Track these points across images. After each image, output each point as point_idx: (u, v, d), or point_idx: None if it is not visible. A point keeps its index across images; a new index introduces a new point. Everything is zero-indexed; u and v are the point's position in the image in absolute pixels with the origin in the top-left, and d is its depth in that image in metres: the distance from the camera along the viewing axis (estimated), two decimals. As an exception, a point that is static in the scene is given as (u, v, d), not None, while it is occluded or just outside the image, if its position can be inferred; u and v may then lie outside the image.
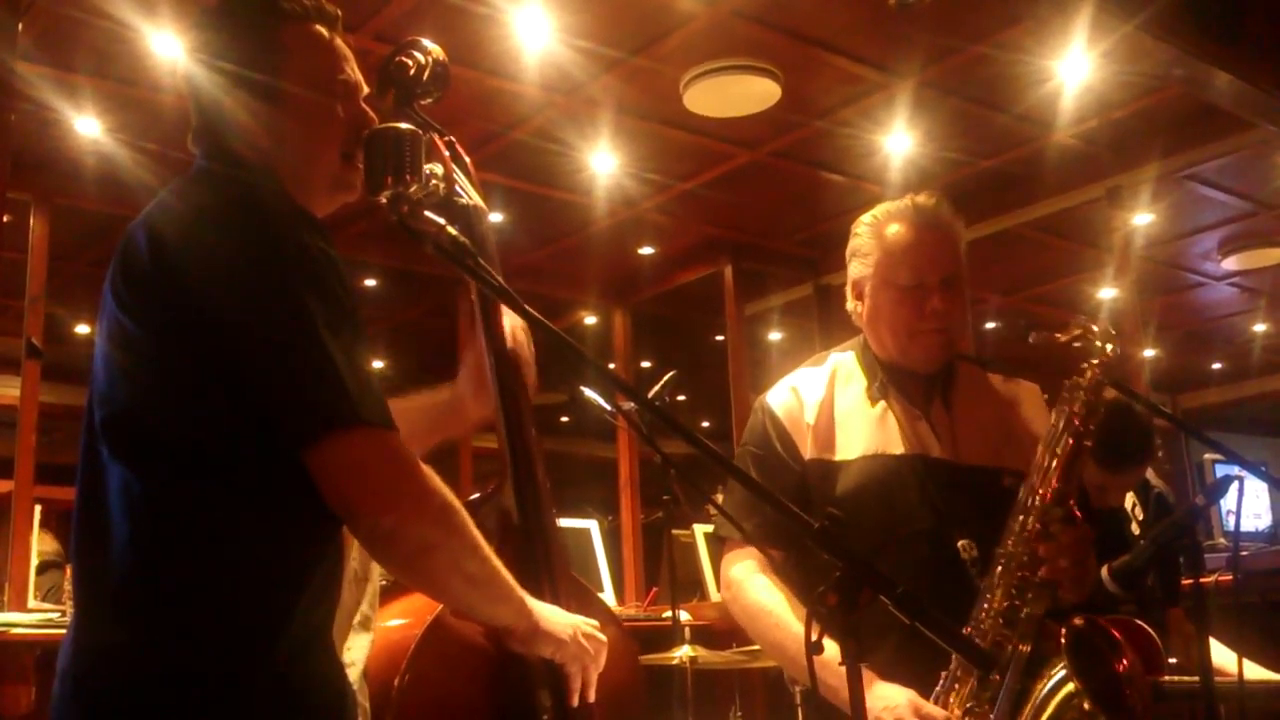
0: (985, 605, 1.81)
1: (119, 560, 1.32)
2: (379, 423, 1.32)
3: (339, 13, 1.56)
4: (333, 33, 1.54)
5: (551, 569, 1.69)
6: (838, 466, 1.98)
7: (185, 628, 1.29)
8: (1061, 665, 1.70)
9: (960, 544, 1.89)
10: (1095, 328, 1.96)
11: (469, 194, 1.84)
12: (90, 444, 1.38)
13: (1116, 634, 1.73)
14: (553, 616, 1.57)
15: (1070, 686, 1.68)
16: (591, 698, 1.60)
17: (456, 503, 1.39)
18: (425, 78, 1.82)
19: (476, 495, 1.75)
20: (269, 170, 1.46)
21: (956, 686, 1.79)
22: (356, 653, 1.63)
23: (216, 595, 1.31)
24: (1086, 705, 1.65)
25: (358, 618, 1.68)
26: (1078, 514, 1.84)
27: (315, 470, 1.29)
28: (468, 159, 1.89)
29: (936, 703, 1.79)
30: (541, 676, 1.59)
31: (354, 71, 1.56)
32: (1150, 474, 3.00)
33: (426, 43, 1.84)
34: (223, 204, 1.38)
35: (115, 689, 1.29)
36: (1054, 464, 1.86)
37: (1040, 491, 1.85)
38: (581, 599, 1.73)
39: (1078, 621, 1.73)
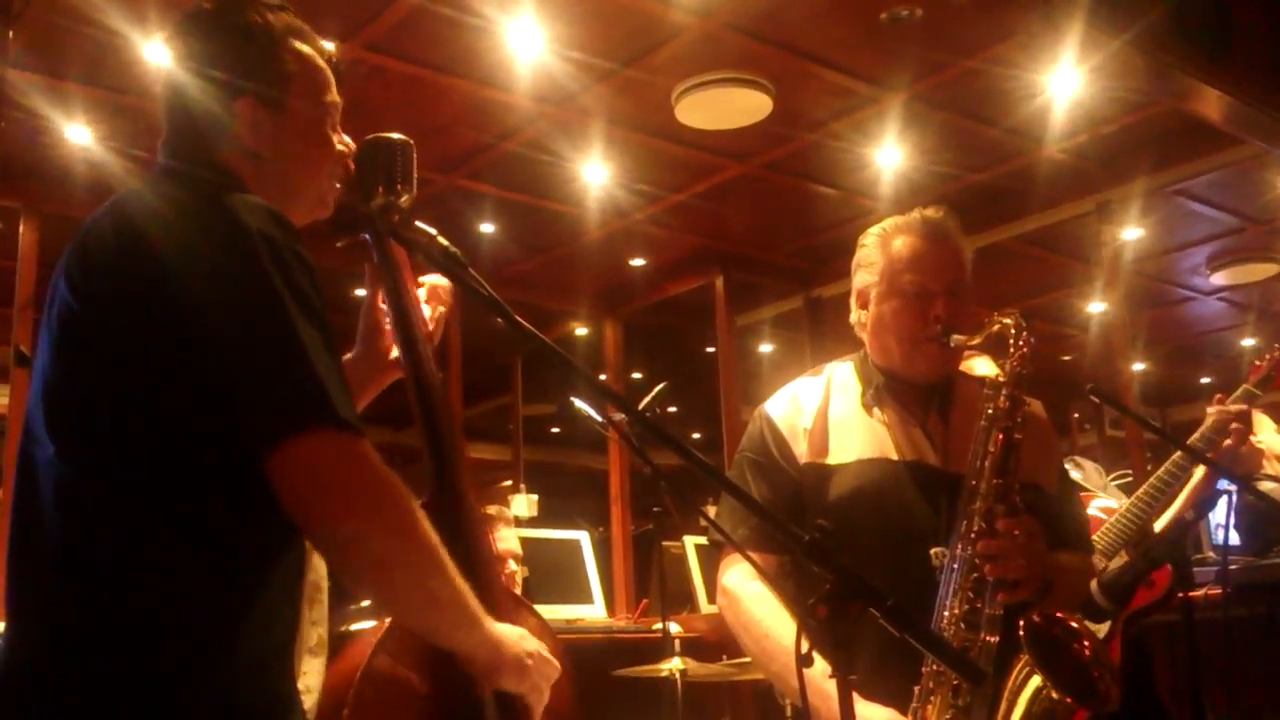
0: (946, 613, 1.81)
1: (53, 571, 1.26)
2: (346, 425, 1.25)
3: (330, 46, 1.56)
4: (324, 57, 1.54)
5: (475, 576, 1.52)
6: (832, 470, 1.98)
7: (125, 648, 1.23)
8: (1024, 661, 1.70)
9: (933, 551, 1.89)
10: (1008, 320, 2.00)
11: None
12: (27, 449, 1.33)
13: (1073, 622, 1.74)
14: (516, 643, 1.47)
15: (1037, 680, 1.68)
16: None
17: (423, 517, 1.31)
18: None
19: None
20: (246, 179, 1.43)
21: (932, 699, 1.78)
22: (312, 678, 1.57)
23: (160, 612, 1.24)
24: (1055, 695, 1.65)
25: (314, 639, 1.62)
26: (1019, 504, 1.84)
27: (273, 471, 1.22)
28: None
29: (915, 716, 1.79)
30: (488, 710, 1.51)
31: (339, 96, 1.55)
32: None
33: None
34: (195, 197, 1.35)
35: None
36: (988, 462, 1.88)
37: (981, 491, 1.86)
38: (515, 609, 1.66)
39: (1035, 617, 1.73)
